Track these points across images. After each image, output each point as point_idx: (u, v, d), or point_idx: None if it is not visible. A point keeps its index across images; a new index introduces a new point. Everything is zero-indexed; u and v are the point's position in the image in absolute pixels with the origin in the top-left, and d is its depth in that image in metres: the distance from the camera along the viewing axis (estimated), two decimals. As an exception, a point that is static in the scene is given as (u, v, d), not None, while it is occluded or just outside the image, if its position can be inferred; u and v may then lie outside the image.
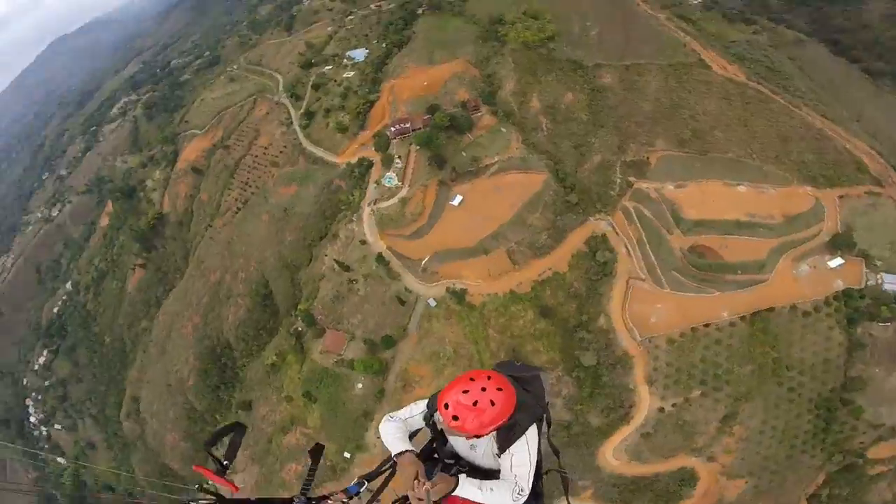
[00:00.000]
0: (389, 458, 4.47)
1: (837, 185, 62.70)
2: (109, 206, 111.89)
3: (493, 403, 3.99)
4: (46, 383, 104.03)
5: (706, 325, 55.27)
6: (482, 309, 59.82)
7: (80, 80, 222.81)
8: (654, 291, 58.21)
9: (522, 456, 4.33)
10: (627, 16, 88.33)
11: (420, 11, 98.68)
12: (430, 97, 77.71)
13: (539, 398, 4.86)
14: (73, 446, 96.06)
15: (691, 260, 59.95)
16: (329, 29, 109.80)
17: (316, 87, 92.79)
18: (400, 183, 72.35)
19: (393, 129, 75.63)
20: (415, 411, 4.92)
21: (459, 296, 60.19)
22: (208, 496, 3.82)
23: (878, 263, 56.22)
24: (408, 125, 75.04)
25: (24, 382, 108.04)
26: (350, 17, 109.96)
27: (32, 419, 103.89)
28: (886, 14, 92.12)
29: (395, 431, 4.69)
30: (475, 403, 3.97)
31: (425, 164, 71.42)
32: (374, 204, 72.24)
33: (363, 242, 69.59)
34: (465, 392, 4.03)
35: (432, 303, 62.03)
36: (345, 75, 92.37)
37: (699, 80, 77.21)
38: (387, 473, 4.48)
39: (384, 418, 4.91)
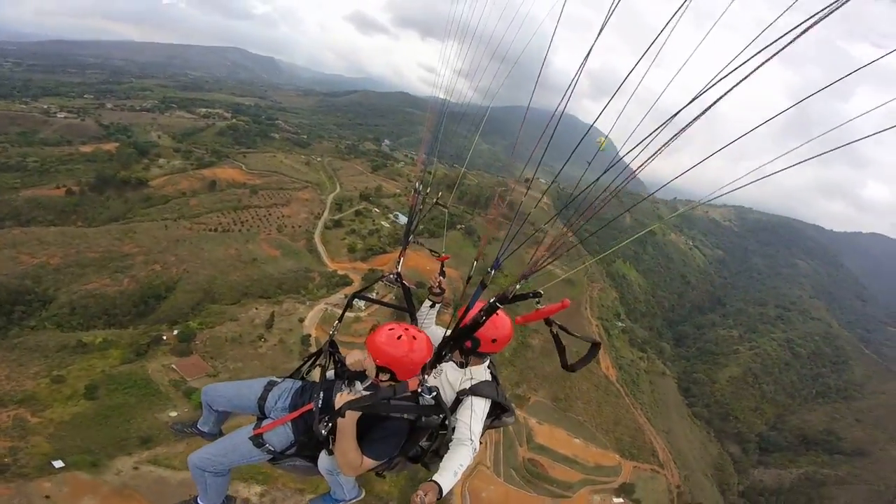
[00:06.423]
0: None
1: (635, 459, 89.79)
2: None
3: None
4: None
5: (518, 514, 74.15)
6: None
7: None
8: (492, 477, 78.90)
9: (478, 409, 4.29)
10: (574, 314, 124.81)
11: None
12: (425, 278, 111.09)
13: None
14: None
15: (527, 466, 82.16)
16: (402, 197, 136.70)
17: (357, 213, 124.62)
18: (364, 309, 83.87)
19: (384, 279, 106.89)
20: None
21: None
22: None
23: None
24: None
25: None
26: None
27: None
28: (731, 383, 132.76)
29: None
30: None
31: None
32: (333, 306, 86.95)
33: (301, 321, 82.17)
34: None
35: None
36: (383, 223, 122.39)
37: (590, 369, 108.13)
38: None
39: None
